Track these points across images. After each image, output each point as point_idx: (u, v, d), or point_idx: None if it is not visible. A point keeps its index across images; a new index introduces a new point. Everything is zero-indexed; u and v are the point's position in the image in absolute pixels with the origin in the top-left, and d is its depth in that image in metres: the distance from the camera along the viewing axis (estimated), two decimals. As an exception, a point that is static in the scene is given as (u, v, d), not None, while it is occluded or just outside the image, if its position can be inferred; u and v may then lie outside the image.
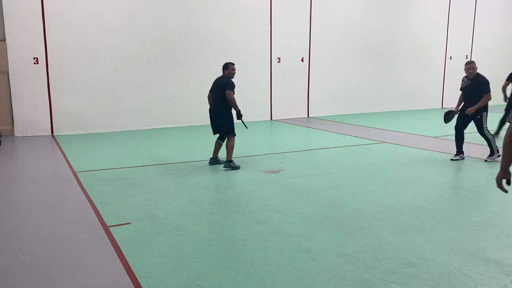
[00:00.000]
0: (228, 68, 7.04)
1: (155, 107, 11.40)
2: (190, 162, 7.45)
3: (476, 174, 6.81)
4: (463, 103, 7.68)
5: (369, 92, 15.16)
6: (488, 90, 7.34)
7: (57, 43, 10.40)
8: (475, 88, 7.41)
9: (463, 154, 7.77)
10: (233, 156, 6.97)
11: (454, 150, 7.83)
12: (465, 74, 7.67)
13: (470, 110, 7.40)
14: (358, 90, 14.89)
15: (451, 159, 7.72)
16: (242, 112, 7.02)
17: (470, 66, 7.53)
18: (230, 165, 6.91)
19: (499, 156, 7.41)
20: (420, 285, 3.23)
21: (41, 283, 3.34)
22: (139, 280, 3.34)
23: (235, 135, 7.02)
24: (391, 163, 7.37)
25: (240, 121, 7.10)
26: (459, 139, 7.72)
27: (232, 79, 7.03)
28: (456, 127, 7.75)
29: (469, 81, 7.55)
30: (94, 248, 3.96)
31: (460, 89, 7.76)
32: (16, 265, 3.64)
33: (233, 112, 6.98)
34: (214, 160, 7.23)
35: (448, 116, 7.99)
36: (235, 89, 6.93)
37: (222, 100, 6.87)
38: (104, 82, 11.01)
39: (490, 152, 7.59)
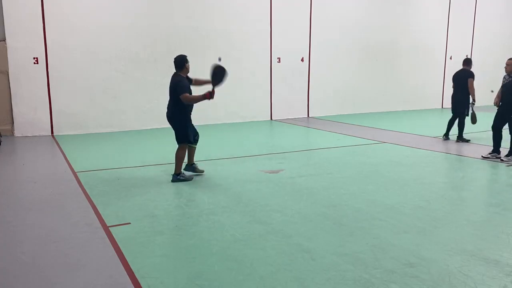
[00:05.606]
0: (187, 66, 6.16)
1: (155, 107, 11.39)
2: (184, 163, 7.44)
3: (476, 174, 6.80)
4: (501, 102, 7.56)
5: (369, 92, 15.16)
6: None
7: (57, 43, 10.40)
8: None
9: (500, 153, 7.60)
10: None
11: (453, 150, 7.83)
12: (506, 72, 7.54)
13: None
14: (358, 90, 14.90)
15: (483, 156, 7.62)
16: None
17: (508, 62, 7.43)
18: (178, 178, 6.16)
19: None
20: (420, 285, 3.23)
21: (41, 283, 3.33)
22: (139, 280, 3.34)
23: (191, 143, 6.34)
24: (391, 163, 7.37)
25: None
26: (498, 137, 7.56)
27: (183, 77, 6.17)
28: (494, 126, 7.59)
29: (511, 79, 7.45)
30: (94, 248, 3.96)
31: (501, 87, 7.65)
32: (16, 265, 3.64)
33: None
34: (189, 167, 6.56)
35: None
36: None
37: (175, 104, 6.14)
38: (104, 82, 11.01)
39: (508, 152, 7.47)
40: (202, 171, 6.63)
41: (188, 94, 6.03)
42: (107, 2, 10.85)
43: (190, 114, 6.46)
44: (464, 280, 3.31)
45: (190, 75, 6.39)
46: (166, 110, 6.43)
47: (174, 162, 6.26)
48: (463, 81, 9.21)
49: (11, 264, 3.67)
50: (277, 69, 13.32)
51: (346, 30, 14.34)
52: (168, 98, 6.35)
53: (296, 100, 13.88)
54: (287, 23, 13.24)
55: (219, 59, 6.09)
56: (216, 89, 5.96)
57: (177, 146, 6.30)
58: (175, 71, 6.26)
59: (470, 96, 9.17)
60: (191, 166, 6.57)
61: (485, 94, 16.36)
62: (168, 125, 6.50)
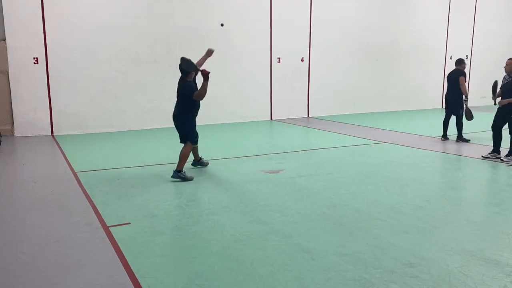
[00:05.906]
0: (193, 73, 6.31)
1: (155, 107, 11.41)
2: (190, 162, 7.43)
3: (476, 174, 6.80)
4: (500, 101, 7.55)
5: (369, 92, 15.16)
6: None
7: (57, 43, 10.40)
8: None
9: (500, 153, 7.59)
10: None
11: (453, 150, 7.82)
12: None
13: (502, 102, 7.28)
14: (358, 90, 14.89)
15: (483, 156, 7.63)
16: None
17: (508, 62, 7.41)
18: (178, 175, 6.27)
19: None
20: (420, 285, 3.23)
21: (41, 283, 3.33)
22: (139, 280, 3.34)
23: (192, 143, 6.49)
24: (391, 163, 7.37)
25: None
26: (498, 137, 7.54)
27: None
28: (494, 126, 7.58)
29: (510, 78, 7.43)
30: (94, 248, 3.96)
31: (500, 88, 7.66)
32: (16, 265, 3.64)
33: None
34: (196, 163, 7.06)
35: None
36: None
37: (181, 104, 6.34)
38: (104, 82, 11.00)
39: (508, 152, 7.45)
40: (207, 163, 7.17)
41: (196, 92, 6.21)
42: (107, 2, 10.85)
43: (196, 115, 6.53)
44: (464, 280, 3.31)
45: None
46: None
47: (178, 159, 6.32)
48: (455, 81, 9.28)
49: (11, 264, 3.67)
50: (277, 69, 13.32)
51: (346, 30, 14.34)
52: (176, 99, 6.49)
53: (296, 100, 13.87)
54: (287, 23, 13.24)
55: (222, 25, 6.24)
56: (202, 68, 6.18)
57: (179, 145, 6.40)
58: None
59: (463, 94, 9.22)
60: (198, 162, 7.06)
61: (484, 93, 16.41)
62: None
